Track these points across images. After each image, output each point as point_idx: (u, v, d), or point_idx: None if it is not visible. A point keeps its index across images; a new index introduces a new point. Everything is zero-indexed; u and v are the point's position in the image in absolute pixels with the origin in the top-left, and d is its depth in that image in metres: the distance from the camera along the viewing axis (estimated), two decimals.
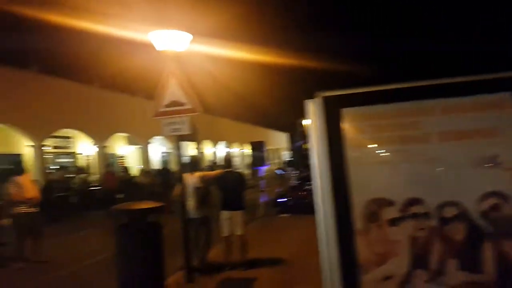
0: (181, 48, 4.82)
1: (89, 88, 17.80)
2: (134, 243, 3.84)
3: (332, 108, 2.00)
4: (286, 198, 11.35)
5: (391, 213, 1.94)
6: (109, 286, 4.32)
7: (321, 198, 1.99)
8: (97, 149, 17.99)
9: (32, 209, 6.90)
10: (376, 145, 2.05)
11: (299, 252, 6.61)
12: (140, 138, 21.11)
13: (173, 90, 4.92)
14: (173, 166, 24.21)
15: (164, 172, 20.19)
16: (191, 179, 5.64)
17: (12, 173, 7.28)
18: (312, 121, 2.04)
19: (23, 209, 6.81)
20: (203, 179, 5.67)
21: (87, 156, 19.93)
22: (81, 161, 19.40)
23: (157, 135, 22.36)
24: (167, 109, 5.01)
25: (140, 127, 20.44)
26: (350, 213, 1.98)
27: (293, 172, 13.02)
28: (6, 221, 7.77)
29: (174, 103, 4.93)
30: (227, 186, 5.68)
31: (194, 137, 5.52)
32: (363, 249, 1.97)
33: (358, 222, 1.99)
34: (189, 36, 4.78)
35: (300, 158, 13.69)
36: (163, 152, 26.31)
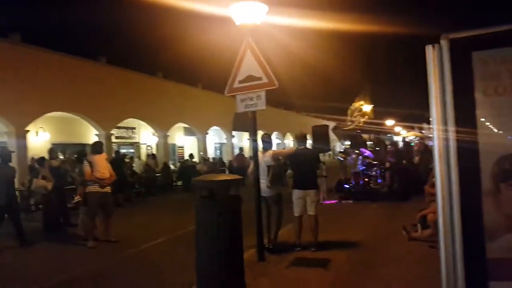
0: (258, 21, 4.76)
1: (152, 79, 18.41)
2: (215, 215, 3.81)
3: (460, 52, 1.79)
4: (348, 184, 11.09)
5: None
6: (175, 263, 4.38)
7: (443, 156, 1.80)
8: (159, 139, 18.64)
9: (104, 189, 6.86)
10: None
11: (370, 235, 6.38)
12: (198, 129, 21.59)
13: (249, 65, 4.89)
14: (226, 156, 24.73)
15: (219, 161, 20.90)
16: (264, 157, 5.58)
17: (87, 153, 7.37)
18: (433, 70, 1.85)
19: (95, 188, 6.77)
20: (275, 157, 5.58)
21: (149, 146, 20.81)
22: (143, 151, 20.27)
23: (213, 126, 22.79)
24: (242, 84, 4.99)
25: (198, 118, 20.89)
26: (478, 171, 1.78)
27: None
28: (78, 198, 7.77)
29: (250, 78, 4.89)
30: (300, 164, 5.56)
31: (246, 127, 5.45)
32: (491, 212, 1.77)
33: (486, 181, 1.78)
34: (265, 8, 4.69)
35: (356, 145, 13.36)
36: (216, 143, 26.93)
